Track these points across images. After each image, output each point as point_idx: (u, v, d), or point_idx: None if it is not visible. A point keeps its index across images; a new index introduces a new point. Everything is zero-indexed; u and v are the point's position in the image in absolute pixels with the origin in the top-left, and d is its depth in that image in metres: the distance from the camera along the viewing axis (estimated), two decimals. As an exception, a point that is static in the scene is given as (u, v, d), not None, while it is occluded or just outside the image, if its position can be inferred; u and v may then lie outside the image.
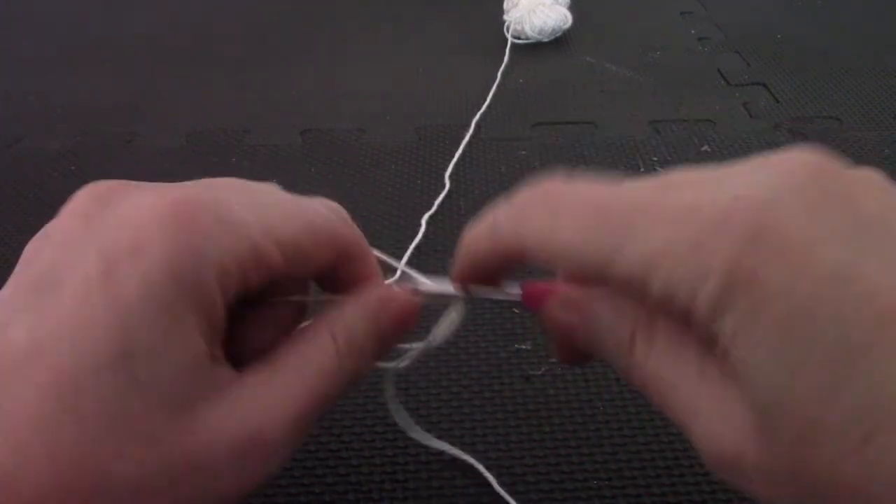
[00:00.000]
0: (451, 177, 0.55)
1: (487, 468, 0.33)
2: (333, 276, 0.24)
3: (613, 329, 0.21)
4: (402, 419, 0.30)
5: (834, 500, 0.16)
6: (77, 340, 0.17)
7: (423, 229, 0.49)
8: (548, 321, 0.23)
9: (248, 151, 0.60)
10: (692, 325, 0.18)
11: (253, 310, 0.23)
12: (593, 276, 0.20)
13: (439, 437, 0.33)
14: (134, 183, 0.22)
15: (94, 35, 0.85)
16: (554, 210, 0.20)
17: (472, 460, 0.33)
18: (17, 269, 0.20)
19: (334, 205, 0.25)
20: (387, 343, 0.24)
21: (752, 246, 0.16)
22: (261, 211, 0.21)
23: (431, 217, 0.50)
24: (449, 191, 0.53)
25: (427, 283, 0.26)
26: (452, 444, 0.33)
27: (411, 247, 0.47)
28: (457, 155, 0.57)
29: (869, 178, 0.18)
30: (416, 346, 0.26)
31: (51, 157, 0.60)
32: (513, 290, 0.25)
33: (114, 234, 0.19)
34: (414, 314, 0.24)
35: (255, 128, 0.64)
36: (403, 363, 0.27)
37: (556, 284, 0.24)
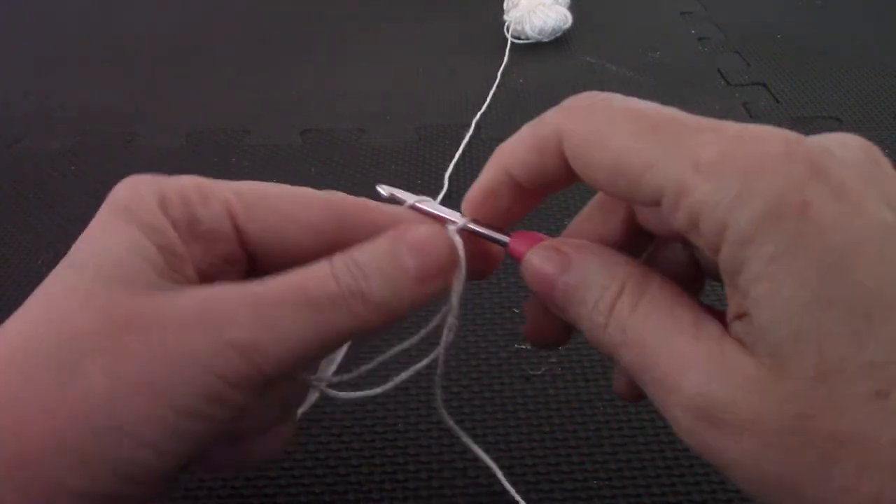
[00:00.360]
0: (451, 177, 0.55)
1: (487, 468, 0.33)
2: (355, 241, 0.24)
3: (600, 279, 0.20)
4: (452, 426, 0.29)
5: (828, 454, 0.16)
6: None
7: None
8: (525, 271, 0.22)
9: (248, 151, 0.60)
10: (719, 247, 0.17)
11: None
12: (626, 186, 0.19)
13: (439, 437, 0.33)
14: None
15: (94, 35, 0.85)
16: (603, 112, 0.20)
17: (490, 462, 0.32)
18: None
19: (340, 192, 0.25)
20: (415, 274, 0.22)
21: (811, 178, 0.16)
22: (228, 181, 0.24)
23: (431, 217, 0.50)
24: (448, 191, 0.53)
25: (430, 203, 0.25)
26: (452, 444, 0.33)
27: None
28: (456, 155, 0.57)
29: None
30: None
31: (51, 157, 0.60)
32: (503, 236, 0.24)
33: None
34: (444, 264, 0.22)
35: (255, 128, 0.64)
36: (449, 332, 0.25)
37: (546, 238, 0.23)
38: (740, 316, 0.18)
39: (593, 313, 0.20)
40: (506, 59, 0.73)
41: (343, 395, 0.26)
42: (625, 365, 0.19)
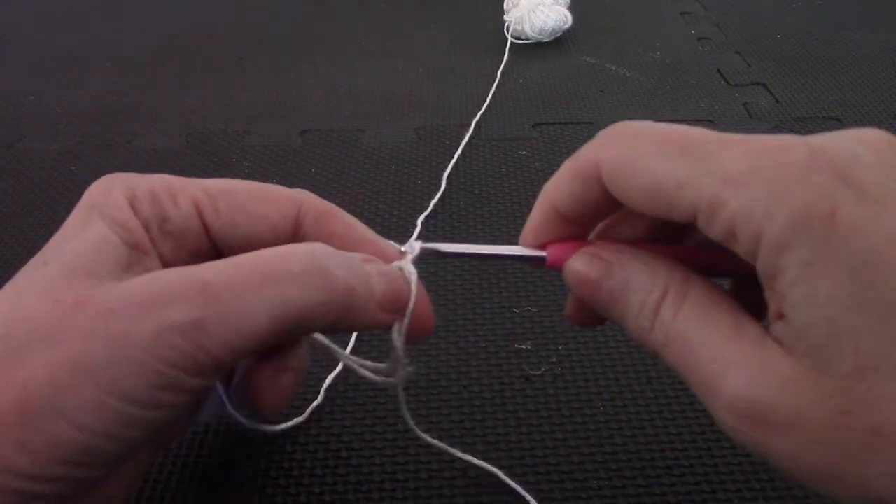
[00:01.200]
0: (449, 177, 0.55)
1: (487, 468, 0.33)
2: (316, 235, 0.25)
3: (644, 284, 0.21)
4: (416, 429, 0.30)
5: (867, 448, 0.16)
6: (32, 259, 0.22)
7: (417, 230, 0.49)
8: (569, 275, 0.23)
9: (248, 151, 0.60)
10: (757, 256, 0.18)
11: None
12: (663, 206, 0.20)
13: (439, 438, 0.33)
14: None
15: (94, 35, 0.85)
16: (633, 139, 0.21)
17: (495, 469, 0.32)
18: None
19: (303, 190, 0.26)
20: (376, 272, 0.23)
21: (837, 184, 0.17)
22: (198, 179, 0.25)
23: (429, 217, 0.50)
24: (448, 191, 0.53)
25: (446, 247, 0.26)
26: (452, 444, 0.33)
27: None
28: (456, 155, 0.57)
29: None
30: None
31: (51, 157, 0.60)
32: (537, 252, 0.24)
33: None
34: (403, 302, 0.24)
35: (255, 128, 0.64)
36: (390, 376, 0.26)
37: (583, 243, 0.24)
38: (780, 317, 0.18)
39: (639, 318, 0.21)
40: (505, 58, 0.73)
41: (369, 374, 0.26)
42: (669, 365, 0.20)
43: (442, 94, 0.68)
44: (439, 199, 0.52)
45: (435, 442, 0.30)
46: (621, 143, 0.21)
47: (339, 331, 0.23)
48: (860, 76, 0.69)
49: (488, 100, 0.66)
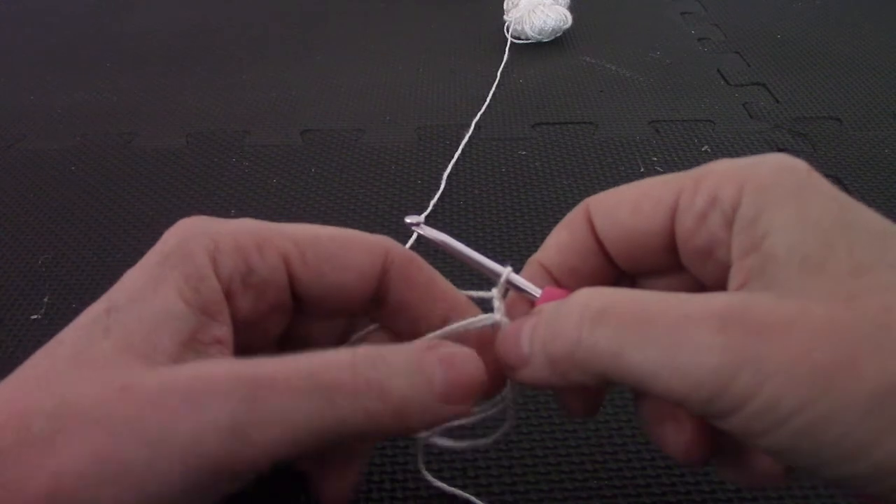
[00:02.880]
0: (450, 177, 0.55)
1: (487, 467, 0.33)
2: (396, 296, 0.24)
3: (574, 299, 0.21)
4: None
5: (883, 320, 0.16)
6: (83, 313, 0.21)
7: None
8: (498, 346, 0.23)
9: (248, 151, 0.60)
10: (737, 206, 0.19)
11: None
12: (648, 212, 0.22)
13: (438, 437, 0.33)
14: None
15: (94, 35, 0.85)
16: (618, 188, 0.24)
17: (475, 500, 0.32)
18: None
19: (383, 236, 0.25)
20: (440, 388, 0.20)
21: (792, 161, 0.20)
22: (280, 224, 0.23)
23: (429, 217, 0.50)
24: (448, 191, 0.53)
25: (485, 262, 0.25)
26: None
27: (407, 245, 0.47)
28: (456, 155, 0.57)
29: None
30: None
31: (51, 157, 0.60)
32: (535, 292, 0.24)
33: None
34: (473, 386, 0.21)
35: (255, 128, 0.64)
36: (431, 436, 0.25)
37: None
38: (745, 282, 0.19)
39: (561, 318, 0.20)
40: (505, 58, 0.73)
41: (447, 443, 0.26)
42: (613, 343, 0.18)
43: (442, 94, 0.68)
44: (439, 199, 0.52)
45: (435, 440, 0.30)
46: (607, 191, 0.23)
47: (398, 436, 0.22)
48: (860, 76, 0.69)
49: (488, 100, 0.66)
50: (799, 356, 0.16)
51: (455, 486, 0.32)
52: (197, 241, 0.21)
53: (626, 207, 0.22)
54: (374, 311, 0.25)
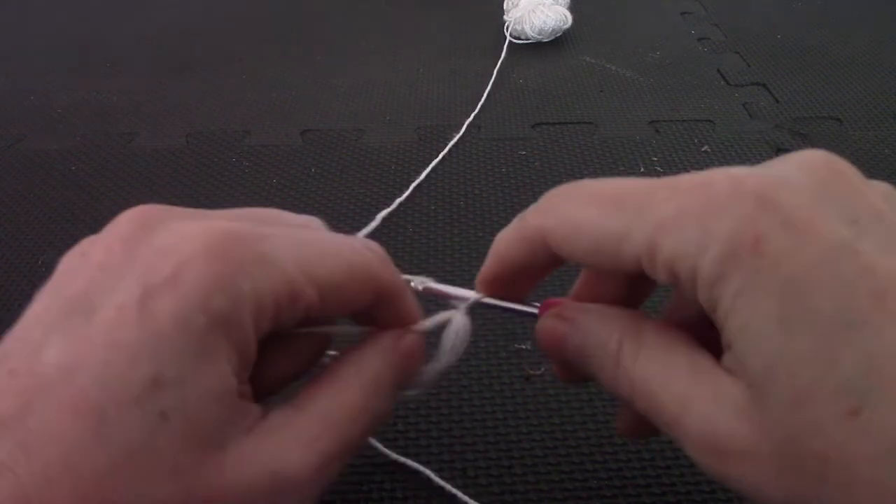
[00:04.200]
0: (450, 177, 0.55)
1: (487, 467, 0.33)
2: (370, 315, 0.25)
3: (600, 337, 0.22)
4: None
5: (817, 474, 0.16)
6: (108, 366, 0.17)
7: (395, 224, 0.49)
8: (541, 331, 0.24)
9: (248, 151, 0.60)
10: (696, 291, 0.18)
11: (278, 341, 0.22)
12: (608, 260, 0.20)
13: (438, 437, 0.33)
14: (179, 209, 0.22)
15: (94, 35, 0.85)
16: (574, 199, 0.21)
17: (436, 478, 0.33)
18: (52, 284, 0.20)
19: (373, 244, 0.24)
20: (405, 380, 0.25)
21: (759, 212, 0.17)
22: (300, 248, 0.21)
23: (431, 216, 0.50)
24: (449, 191, 0.53)
25: (450, 290, 0.26)
26: (452, 444, 0.33)
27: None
28: (441, 154, 0.57)
29: (879, 183, 0.19)
30: (428, 369, 0.26)
31: (51, 157, 0.60)
32: (531, 306, 0.25)
33: (153, 261, 0.19)
34: (419, 350, 0.25)
35: (255, 128, 0.64)
36: (416, 390, 0.26)
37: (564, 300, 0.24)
38: (728, 348, 0.18)
39: (604, 370, 0.22)
40: (505, 58, 0.73)
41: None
42: (640, 411, 0.21)
43: (442, 94, 0.68)
44: (440, 200, 0.52)
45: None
46: (560, 207, 0.22)
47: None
48: (860, 76, 0.69)
49: (482, 100, 0.66)
50: (755, 487, 0.18)
51: (455, 486, 0.32)
52: (246, 307, 0.19)
53: (585, 254, 0.21)
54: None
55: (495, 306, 0.25)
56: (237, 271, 0.19)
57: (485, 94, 0.66)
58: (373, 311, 0.24)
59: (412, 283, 0.27)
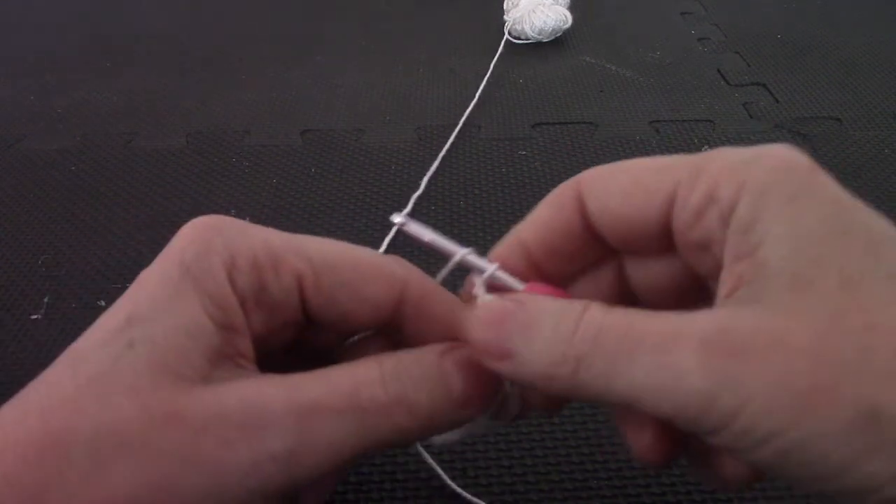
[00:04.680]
0: (450, 177, 0.55)
1: (487, 468, 0.33)
2: (411, 327, 0.23)
3: (562, 305, 0.20)
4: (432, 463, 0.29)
5: (867, 341, 0.16)
6: (96, 325, 0.20)
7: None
8: (479, 310, 0.22)
9: (248, 151, 0.60)
10: (738, 205, 0.19)
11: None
12: (640, 199, 0.21)
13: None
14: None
15: (94, 35, 0.85)
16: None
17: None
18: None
19: (402, 260, 0.24)
20: (460, 397, 0.21)
21: (800, 153, 0.19)
22: (298, 237, 0.22)
23: (429, 217, 0.50)
24: (448, 191, 0.53)
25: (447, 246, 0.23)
26: (452, 445, 0.33)
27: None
28: (441, 154, 0.57)
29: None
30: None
31: (51, 157, 0.60)
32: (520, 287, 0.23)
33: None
34: (489, 391, 0.22)
35: (255, 128, 0.64)
36: (448, 437, 0.24)
37: (562, 292, 0.23)
38: (736, 287, 0.18)
39: (556, 332, 0.19)
40: (505, 58, 0.73)
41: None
42: (603, 373, 0.18)
43: (442, 94, 0.68)
44: (440, 200, 0.52)
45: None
46: (599, 167, 0.22)
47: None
48: (860, 76, 0.69)
49: (475, 98, 0.66)
50: (778, 380, 0.16)
51: (455, 486, 0.32)
52: (216, 256, 0.21)
53: (619, 194, 0.21)
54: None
55: (503, 284, 0.23)
56: (212, 234, 0.21)
57: (478, 93, 0.66)
58: (411, 322, 0.23)
59: (393, 218, 0.24)
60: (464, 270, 0.23)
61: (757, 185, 0.18)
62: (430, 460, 0.28)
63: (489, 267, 0.23)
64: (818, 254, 0.17)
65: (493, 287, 0.23)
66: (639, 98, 0.66)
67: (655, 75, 0.70)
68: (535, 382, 0.20)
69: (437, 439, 0.25)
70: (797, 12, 0.84)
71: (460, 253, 0.23)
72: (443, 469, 0.33)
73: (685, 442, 0.21)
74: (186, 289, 0.20)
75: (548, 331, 0.19)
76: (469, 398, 0.21)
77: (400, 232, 0.29)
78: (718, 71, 0.71)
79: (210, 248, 0.21)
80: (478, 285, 0.22)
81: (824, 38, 0.77)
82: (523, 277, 0.23)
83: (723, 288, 0.19)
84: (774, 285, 0.17)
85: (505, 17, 0.78)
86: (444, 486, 0.32)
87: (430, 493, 0.32)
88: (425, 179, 0.54)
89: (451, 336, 0.22)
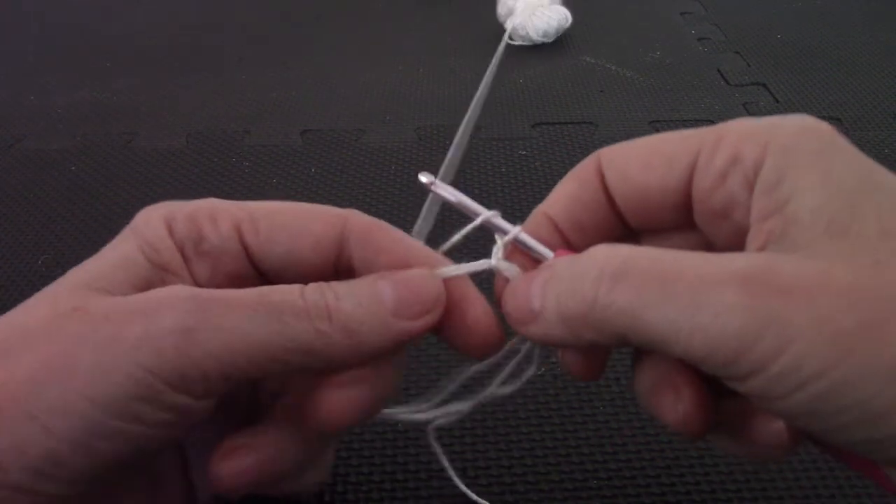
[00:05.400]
0: (449, 177, 0.55)
1: (487, 468, 0.33)
2: (361, 266, 0.23)
3: (585, 258, 0.21)
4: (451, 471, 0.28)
5: None
6: None
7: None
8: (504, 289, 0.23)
9: (248, 151, 0.60)
10: (760, 166, 0.19)
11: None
12: (662, 163, 0.21)
13: (438, 438, 0.33)
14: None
15: (94, 35, 0.85)
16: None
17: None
18: None
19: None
20: (391, 306, 0.21)
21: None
22: (245, 202, 0.24)
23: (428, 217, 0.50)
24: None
25: (472, 205, 0.24)
26: (452, 444, 0.33)
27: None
28: (448, 156, 0.57)
29: None
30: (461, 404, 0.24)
31: (51, 157, 0.60)
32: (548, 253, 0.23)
33: None
34: (431, 293, 0.22)
35: (255, 128, 0.64)
36: (444, 419, 0.25)
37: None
38: (765, 242, 0.18)
39: (573, 273, 0.19)
40: (504, 58, 0.73)
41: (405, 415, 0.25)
42: (632, 303, 0.18)
43: (442, 94, 0.68)
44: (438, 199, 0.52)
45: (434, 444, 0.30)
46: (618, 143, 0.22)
47: (354, 364, 0.21)
48: (860, 76, 0.69)
49: (476, 98, 0.66)
50: (823, 319, 0.16)
51: (455, 486, 0.32)
52: (154, 212, 0.23)
53: (639, 162, 0.21)
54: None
55: (525, 245, 0.23)
56: (160, 206, 0.23)
57: (489, 94, 0.66)
58: (357, 255, 0.23)
59: (421, 177, 0.24)
60: (488, 236, 0.24)
61: (781, 145, 0.19)
62: (440, 455, 0.28)
63: (513, 230, 0.23)
64: (852, 203, 0.17)
65: (521, 253, 0.23)
66: (639, 98, 0.66)
67: (655, 75, 0.70)
68: (562, 337, 0.20)
69: (445, 413, 0.25)
70: (797, 12, 0.84)
71: (485, 214, 0.23)
72: (442, 469, 0.33)
73: (719, 411, 0.20)
74: (125, 238, 0.23)
75: (566, 274, 0.20)
76: (402, 306, 0.21)
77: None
78: (718, 71, 0.71)
79: (151, 213, 0.23)
80: (497, 248, 0.23)
81: (824, 38, 0.77)
82: (551, 248, 0.23)
83: (751, 246, 0.19)
84: (810, 234, 0.17)
85: (501, 21, 0.78)
86: (444, 486, 0.32)
87: (431, 494, 0.32)
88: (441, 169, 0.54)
89: (402, 267, 0.22)
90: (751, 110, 0.64)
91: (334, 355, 0.20)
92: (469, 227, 0.23)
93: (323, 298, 0.20)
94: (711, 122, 0.61)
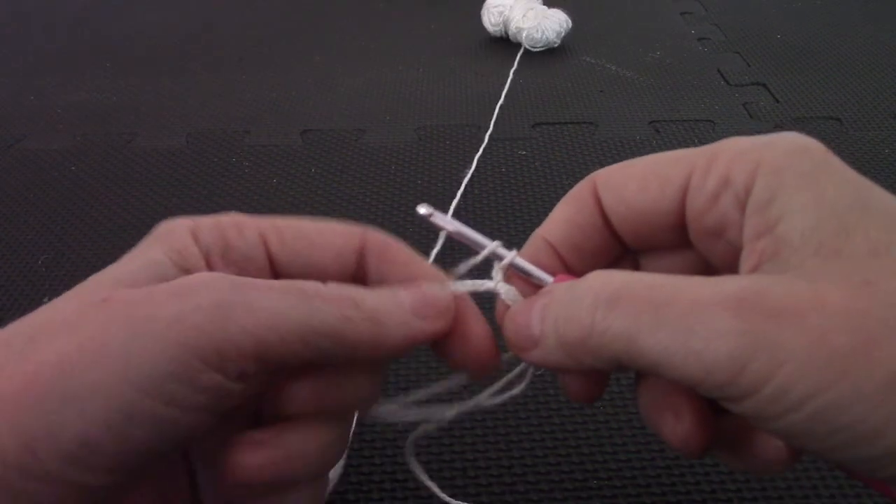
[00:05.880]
0: (449, 177, 0.55)
1: (487, 468, 0.33)
2: (381, 280, 0.24)
3: (583, 284, 0.21)
4: (423, 477, 0.29)
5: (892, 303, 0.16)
6: None
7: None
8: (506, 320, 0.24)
9: (248, 151, 0.60)
10: (751, 187, 0.19)
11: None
12: (655, 188, 0.21)
13: (438, 437, 0.33)
14: None
15: (94, 35, 0.85)
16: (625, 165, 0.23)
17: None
18: None
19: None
20: (409, 307, 0.22)
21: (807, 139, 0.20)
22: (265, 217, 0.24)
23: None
24: (447, 191, 0.53)
25: (475, 236, 0.24)
26: (451, 443, 0.33)
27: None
28: (475, 160, 0.57)
29: None
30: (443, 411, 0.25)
31: (51, 157, 0.60)
32: (546, 277, 0.24)
33: None
34: (443, 301, 0.23)
35: (255, 128, 0.64)
36: (423, 427, 0.25)
37: None
38: (758, 264, 0.19)
39: (571, 298, 0.20)
40: (505, 58, 0.73)
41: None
42: (627, 328, 0.18)
43: (442, 94, 0.68)
44: (438, 199, 0.52)
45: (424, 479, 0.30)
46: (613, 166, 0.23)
47: (381, 356, 0.22)
48: (860, 76, 0.69)
49: (501, 100, 0.66)
50: (814, 342, 0.16)
51: (455, 485, 0.32)
52: (177, 222, 0.23)
53: (634, 185, 0.22)
54: None
55: (524, 271, 0.24)
56: (181, 218, 0.23)
57: (489, 94, 0.66)
58: (372, 269, 0.24)
59: (419, 209, 0.24)
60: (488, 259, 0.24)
61: (772, 166, 0.19)
62: (418, 472, 0.28)
63: (509, 255, 0.24)
64: (842, 224, 0.17)
65: (521, 280, 0.24)
66: (639, 98, 0.66)
67: (655, 75, 0.70)
68: (560, 362, 0.20)
69: (426, 419, 0.26)
70: (797, 12, 0.84)
71: (490, 247, 0.24)
72: (442, 468, 0.33)
73: (719, 428, 0.21)
74: (151, 245, 0.22)
75: (563, 300, 0.20)
76: (420, 307, 0.22)
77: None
78: (718, 71, 0.71)
79: (176, 221, 0.23)
80: (495, 272, 0.24)
81: (824, 38, 0.77)
82: (551, 273, 0.24)
83: (744, 266, 0.19)
84: (800, 256, 0.18)
85: (490, 29, 0.78)
86: (444, 486, 0.32)
87: (430, 494, 0.32)
88: (467, 178, 0.54)
89: (411, 280, 0.23)
90: (751, 110, 0.64)
91: (359, 344, 0.21)
92: (474, 259, 0.24)
93: (349, 291, 0.21)
94: (711, 122, 0.62)
